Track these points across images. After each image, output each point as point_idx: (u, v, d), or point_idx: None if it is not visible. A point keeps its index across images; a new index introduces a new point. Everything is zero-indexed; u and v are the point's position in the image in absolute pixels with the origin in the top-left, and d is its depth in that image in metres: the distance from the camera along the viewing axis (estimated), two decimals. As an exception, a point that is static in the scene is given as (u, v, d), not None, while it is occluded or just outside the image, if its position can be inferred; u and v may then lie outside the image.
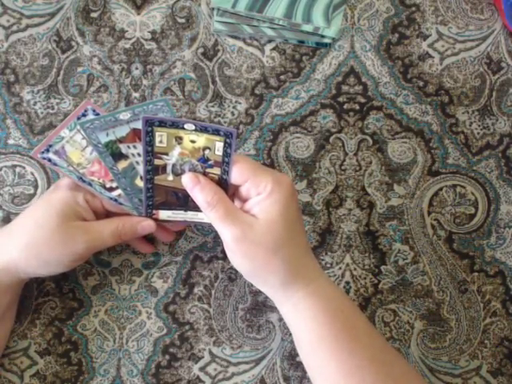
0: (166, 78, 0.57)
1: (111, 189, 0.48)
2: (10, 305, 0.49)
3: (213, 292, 0.54)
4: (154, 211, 0.49)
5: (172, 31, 0.58)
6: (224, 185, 0.46)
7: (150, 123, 0.43)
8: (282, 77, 0.58)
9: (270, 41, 0.58)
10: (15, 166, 0.55)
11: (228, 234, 0.43)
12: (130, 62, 0.57)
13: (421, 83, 0.58)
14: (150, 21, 0.58)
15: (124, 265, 0.54)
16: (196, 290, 0.54)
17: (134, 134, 0.46)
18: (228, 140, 0.44)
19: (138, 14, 0.58)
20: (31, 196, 0.55)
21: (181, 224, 0.52)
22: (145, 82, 0.57)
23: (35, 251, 0.46)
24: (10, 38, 0.57)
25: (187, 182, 0.46)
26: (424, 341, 0.54)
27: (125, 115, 0.45)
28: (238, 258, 0.44)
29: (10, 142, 0.56)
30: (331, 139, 0.57)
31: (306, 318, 0.45)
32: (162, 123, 0.44)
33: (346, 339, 0.44)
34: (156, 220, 0.49)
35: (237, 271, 0.54)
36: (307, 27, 0.57)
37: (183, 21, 0.58)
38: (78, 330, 0.53)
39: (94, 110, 0.47)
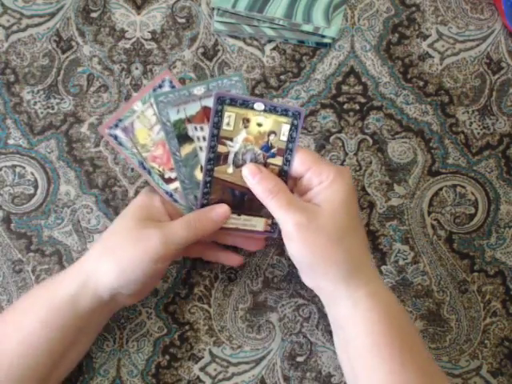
0: (166, 78, 0.57)
1: (169, 180, 0.48)
2: (86, 330, 0.47)
3: (213, 292, 0.54)
4: None
5: (172, 31, 0.58)
6: (284, 177, 0.46)
7: (222, 101, 0.44)
8: (282, 77, 0.58)
9: (270, 41, 0.58)
10: (15, 166, 0.55)
11: (290, 222, 0.43)
12: (129, 62, 0.57)
13: (421, 83, 0.58)
14: (150, 21, 0.58)
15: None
16: (196, 290, 0.54)
17: (204, 114, 0.46)
18: (295, 121, 0.45)
19: (138, 13, 0.58)
20: (31, 196, 0.55)
21: (235, 234, 0.49)
22: (145, 81, 0.57)
23: (112, 255, 0.45)
24: (10, 37, 0.57)
25: (248, 172, 0.45)
26: (424, 341, 0.54)
27: (199, 90, 0.45)
28: (299, 247, 0.43)
29: (10, 142, 0.56)
30: (331, 139, 0.57)
31: (365, 320, 0.43)
32: (233, 101, 0.44)
33: (399, 348, 0.43)
34: None
35: (237, 271, 0.54)
36: (307, 27, 0.57)
37: (183, 21, 0.58)
38: (77, 330, 0.53)
39: (171, 82, 0.47)
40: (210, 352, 0.53)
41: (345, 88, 0.57)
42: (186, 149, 0.47)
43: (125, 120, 0.46)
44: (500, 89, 0.58)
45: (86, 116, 0.56)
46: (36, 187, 0.55)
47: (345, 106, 0.57)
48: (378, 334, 0.43)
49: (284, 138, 0.45)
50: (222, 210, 0.47)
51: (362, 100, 0.57)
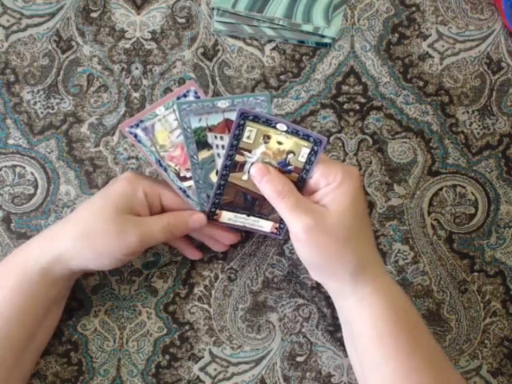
0: (166, 78, 0.57)
1: (184, 178, 0.48)
2: (57, 299, 0.48)
3: (213, 292, 0.54)
4: (218, 211, 0.49)
5: (172, 31, 0.58)
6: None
7: (245, 116, 0.44)
8: (282, 77, 0.58)
9: (270, 41, 0.58)
10: (15, 165, 0.55)
11: (299, 224, 0.43)
12: (130, 62, 0.57)
13: (421, 83, 0.58)
14: (150, 21, 0.58)
15: (124, 265, 0.54)
16: (196, 290, 0.54)
17: (225, 125, 0.46)
18: (315, 147, 0.44)
19: (138, 14, 0.58)
20: (31, 196, 0.55)
21: (239, 227, 0.51)
22: (145, 81, 0.57)
23: (88, 241, 0.45)
24: (9, 37, 0.57)
25: (256, 171, 0.45)
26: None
27: (223, 103, 0.45)
28: (307, 248, 0.44)
29: (10, 141, 0.56)
30: (331, 139, 0.57)
31: (370, 315, 0.44)
32: (256, 118, 0.44)
33: (406, 340, 0.43)
34: (216, 221, 0.50)
35: (237, 271, 0.54)
36: (307, 27, 0.57)
37: (183, 21, 0.58)
38: (78, 330, 0.53)
39: (195, 93, 0.47)
40: (210, 352, 0.53)
41: (345, 88, 0.57)
42: (204, 154, 0.47)
43: (146, 121, 0.47)
44: (500, 89, 0.58)
45: (85, 116, 0.56)
46: (36, 187, 0.55)
47: (345, 106, 0.57)
48: (383, 326, 0.43)
49: (302, 159, 0.45)
50: (197, 217, 0.48)
51: (362, 100, 0.57)
